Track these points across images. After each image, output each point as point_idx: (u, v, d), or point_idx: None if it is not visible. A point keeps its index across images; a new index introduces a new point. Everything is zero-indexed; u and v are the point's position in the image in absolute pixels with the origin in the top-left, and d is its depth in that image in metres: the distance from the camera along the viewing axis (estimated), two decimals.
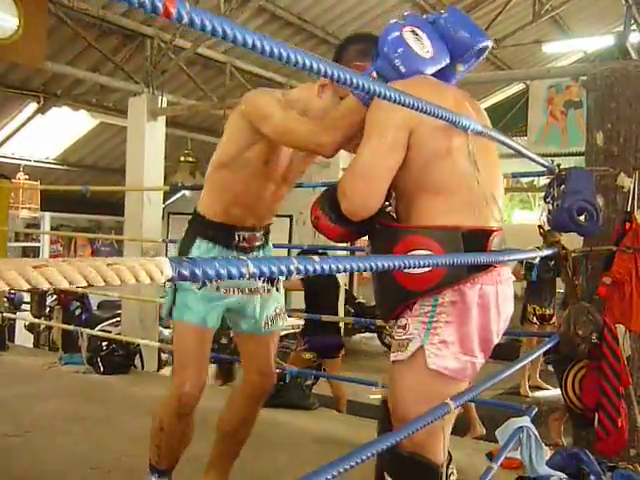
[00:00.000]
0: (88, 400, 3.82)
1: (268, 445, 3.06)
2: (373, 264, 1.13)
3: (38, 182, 8.31)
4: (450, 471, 1.68)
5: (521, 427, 2.11)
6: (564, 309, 3.87)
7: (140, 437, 3.19)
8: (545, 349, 2.62)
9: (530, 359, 2.40)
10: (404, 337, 1.59)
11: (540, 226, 3.27)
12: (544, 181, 2.79)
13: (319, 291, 5.25)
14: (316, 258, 0.98)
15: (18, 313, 7.54)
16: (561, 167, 2.50)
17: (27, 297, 8.01)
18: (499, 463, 2.01)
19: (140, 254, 6.12)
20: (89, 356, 4.82)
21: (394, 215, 1.74)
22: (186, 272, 0.78)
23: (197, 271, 0.79)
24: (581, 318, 2.39)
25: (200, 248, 2.10)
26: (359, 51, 1.77)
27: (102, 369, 4.57)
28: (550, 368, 3.73)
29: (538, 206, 15.76)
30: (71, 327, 5.90)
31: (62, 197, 9.08)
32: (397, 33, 1.58)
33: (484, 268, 1.55)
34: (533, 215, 15.75)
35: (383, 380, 3.88)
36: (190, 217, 2.21)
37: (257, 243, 2.18)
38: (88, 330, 5.07)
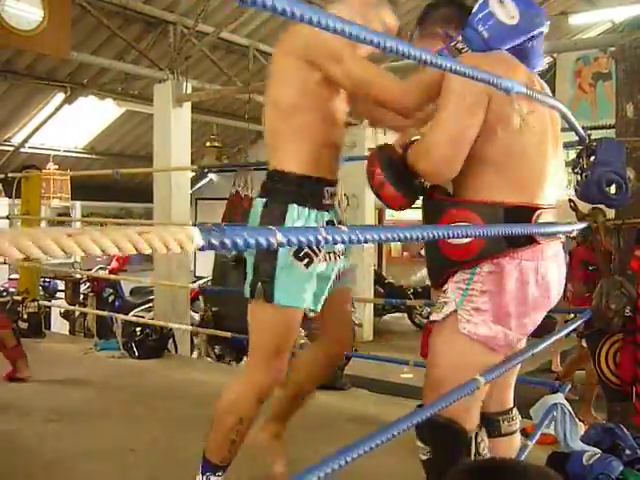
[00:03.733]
0: (125, 384, 3.90)
1: (303, 426, 3.09)
2: (399, 235, 1.11)
3: (68, 172, 8.43)
4: (480, 439, 1.68)
5: (555, 404, 2.11)
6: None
7: (176, 419, 3.26)
8: (577, 325, 2.60)
9: (562, 334, 2.39)
10: (442, 300, 1.66)
11: (571, 199, 3.22)
12: (574, 155, 2.75)
13: None
14: (344, 227, 0.97)
15: (53, 301, 7.70)
16: (592, 137, 2.45)
17: (62, 285, 8.18)
18: (534, 441, 2.01)
19: None
20: (124, 341, 4.91)
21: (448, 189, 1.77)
22: (216, 241, 0.77)
23: (226, 240, 0.78)
24: (613, 292, 2.36)
25: (296, 215, 1.86)
26: (443, 17, 1.77)
27: (137, 354, 4.66)
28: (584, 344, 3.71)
29: (569, 181, 15.52)
30: (105, 313, 6.03)
31: (92, 186, 9.20)
32: (484, 2, 1.61)
33: (526, 243, 1.58)
34: (565, 190, 15.55)
35: (414, 359, 3.89)
36: (267, 181, 1.94)
37: (334, 200, 2.02)
38: (122, 316, 5.16)
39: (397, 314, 9.66)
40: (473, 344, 1.59)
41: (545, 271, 1.63)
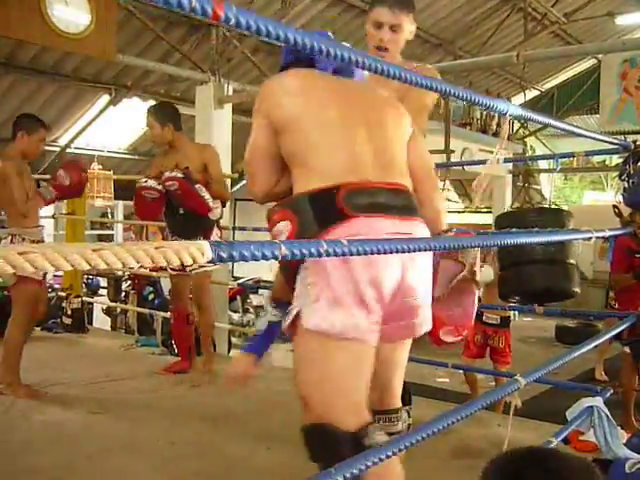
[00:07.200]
0: (164, 380, 3.98)
1: None
2: (402, 246, 1.14)
3: (111, 172, 8.61)
4: (372, 438, 1.54)
5: (591, 406, 2.08)
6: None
7: (216, 414, 3.31)
8: (619, 330, 2.57)
9: (600, 341, 2.36)
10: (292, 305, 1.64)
11: (615, 205, 3.18)
12: (616, 160, 2.71)
13: None
14: (344, 241, 1.03)
15: (96, 298, 7.88)
16: (637, 143, 2.42)
17: (104, 282, 8.35)
18: (560, 439, 1.99)
19: None
20: (163, 339, 5.01)
21: None
22: (224, 254, 0.86)
23: (234, 253, 0.87)
24: None
25: None
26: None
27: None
28: (626, 349, 3.64)
29: (610, 186, 15.24)
30: (145, 311, 6.15)
31: (134, 186, 9.36)
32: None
33: (335, 220, 1.54)
34: (605, 195, 15.24)
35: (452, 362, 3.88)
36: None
37: None
38: (162, 314, 5.25)
39: None
40: (321, 337, 1.54)
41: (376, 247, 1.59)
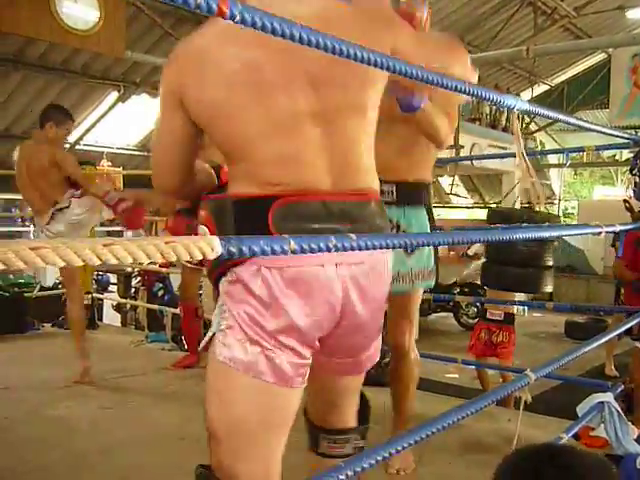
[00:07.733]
0: (174, 375, 3.99)
1: None
2: (406, 241, 1.14)
3: (121, 168, 8.65)
4: None
5: (602, 402, 2.08)
6: None
7: None
8: (629, 326, 2.56)
9: (611, 336, 2.35)
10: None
11: (626, 200, 3.16)
12: (627, 155, 2.71)
13: None
14: (353, 236, 1.02)
15: (105, 294, 7.91)
16: None
17: (114, 279, 8.39)
18: (570, 434, 1.99)
19: None
20: (173, 334, 5.03)
21: None
22: (234, 249, 0.85)
23: (244, 248, 0.86)
24: None
25: None
26: None
27: (186, 346, 4.75)
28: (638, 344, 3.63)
29: (621, 181, 15.17)
30: (155, 307, 6.17)
31: (143, 183, 9.37)
32: None
33: None
34: (616, 190, 15.17)
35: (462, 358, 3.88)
36: (422, 191, 2.40)
37: None
38: (171, 309, 5.26)
39: (443, 313, 9.59)
40: (233, 373, 1.26)
41: (311, 280, 1.25)
